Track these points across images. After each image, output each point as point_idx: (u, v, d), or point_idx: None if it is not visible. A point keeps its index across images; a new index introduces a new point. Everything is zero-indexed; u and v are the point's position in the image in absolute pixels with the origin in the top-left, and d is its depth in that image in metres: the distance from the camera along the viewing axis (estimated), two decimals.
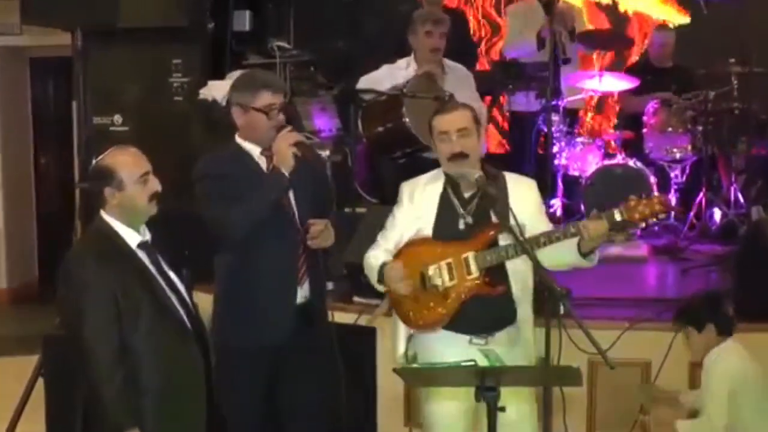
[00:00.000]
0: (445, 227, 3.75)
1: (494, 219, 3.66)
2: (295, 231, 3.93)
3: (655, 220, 3.52)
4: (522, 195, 3.75)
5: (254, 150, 3.95)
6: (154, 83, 5.94)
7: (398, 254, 3.78)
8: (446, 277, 3.68)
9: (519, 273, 3.70)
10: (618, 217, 3.49)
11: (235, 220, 3.82)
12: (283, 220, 3.92)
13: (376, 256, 3.81)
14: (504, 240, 3.66)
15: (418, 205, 3.80)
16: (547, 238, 3.56)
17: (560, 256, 3.61)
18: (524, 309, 3.74)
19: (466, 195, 3.74)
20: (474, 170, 3.67)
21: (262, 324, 3.91)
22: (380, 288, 3.80)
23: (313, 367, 4.01)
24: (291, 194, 3.93)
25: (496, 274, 3.68)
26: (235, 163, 3.95)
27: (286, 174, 3.83)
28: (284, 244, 3.92)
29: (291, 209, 3.94)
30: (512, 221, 3.55)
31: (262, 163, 3.96)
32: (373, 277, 3.79)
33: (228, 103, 4.07)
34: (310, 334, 3.96)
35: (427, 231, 3.76)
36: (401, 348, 3.82)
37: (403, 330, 3.81)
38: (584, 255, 3.57)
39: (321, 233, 3.91)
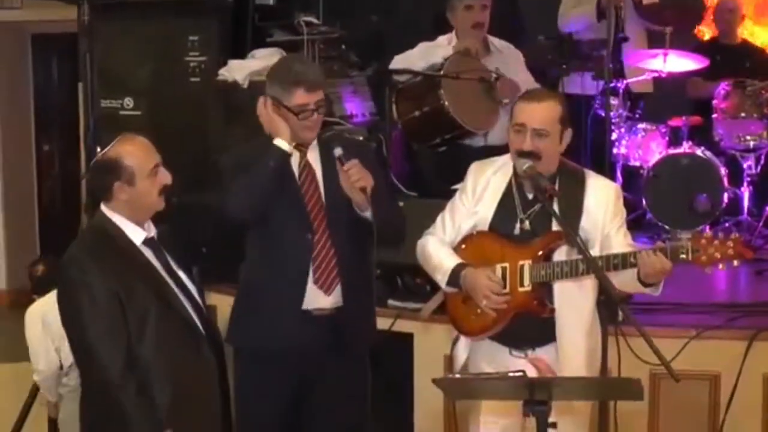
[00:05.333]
0: (501, 229, 3.73)
1: (555, 227, 3.64)
2: (310, 225, 3.88)
3: (722, 266, 3.44)
4: (598, 199, 3.70)
5: (284, 145, 3.92)
6: (168, 62, 5.94)
7: (458, 248, 3.78)
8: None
9: (566, 290, 3.67)
10: (683, 256, 3.42)
11: (235, 192, 3.82)
12: (299, 211, 3.90)
13: (440, 249, 3.78)
14: (559, 255, 3.64)
15: (478, 198, 3.79)
16: (606, 263, 3.51)
17: (620, 284, 3.57)
18: (572, 331, 3.69)
19: (530, 196, 3.72)
20: (525, 161, 3.63)
21: (268, 326, 3.90)
22: (447, 289, 3.78)
23: (340, 392, 3.96)
24: (321, 186, 3.92)
25: (543, 289, 3.67)
26: (261, 156, 3.93)
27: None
28: (298, 239, 3.87)
29: (318, 201, 3.92)
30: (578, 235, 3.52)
31: (294, 158, 3.94)
32: (440, 274, 3.76)
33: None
34: (339, 351, 3.93)
35: (483, 227, 3.76)
36: (462, 356, 3.83)
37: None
38: (646, 284, 3.54)
39: (358, 173, 3.80)
